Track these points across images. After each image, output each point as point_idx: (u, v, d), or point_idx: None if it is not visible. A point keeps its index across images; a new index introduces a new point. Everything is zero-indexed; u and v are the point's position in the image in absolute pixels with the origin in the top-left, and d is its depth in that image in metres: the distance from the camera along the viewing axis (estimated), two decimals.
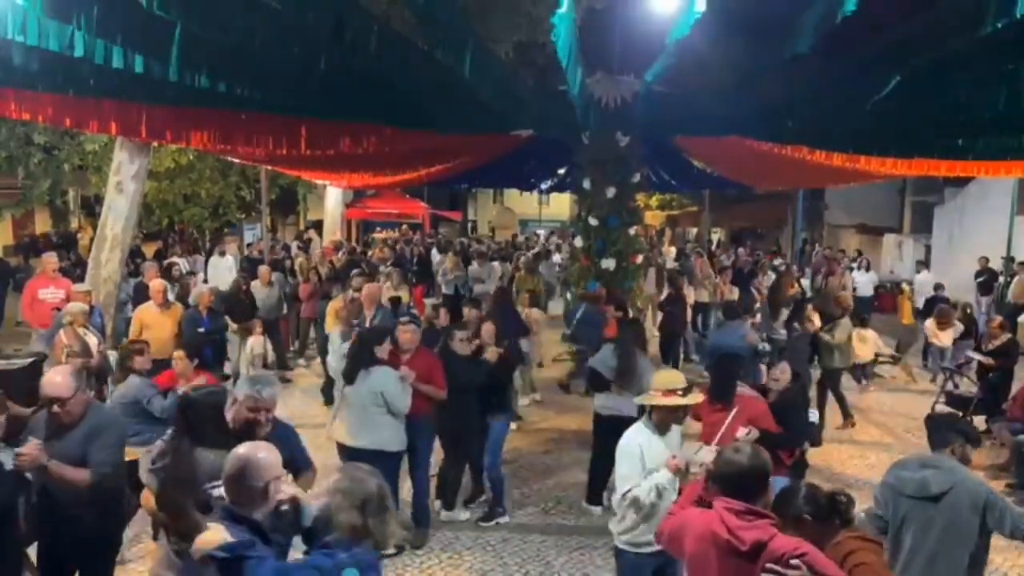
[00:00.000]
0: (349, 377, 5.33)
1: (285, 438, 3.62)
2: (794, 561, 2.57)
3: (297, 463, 3.68)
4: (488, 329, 6.51)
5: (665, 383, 4.05)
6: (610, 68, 9.82)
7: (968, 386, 8.85)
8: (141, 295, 9.21)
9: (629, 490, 3.85)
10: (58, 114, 7.30)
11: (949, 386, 8.95)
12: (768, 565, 2.60)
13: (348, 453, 5.21)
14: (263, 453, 2.69)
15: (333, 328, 7.76)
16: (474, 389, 5.88)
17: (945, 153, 7.96)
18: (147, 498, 3.58)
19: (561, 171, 16.16)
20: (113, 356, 7.97)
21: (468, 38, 5.90)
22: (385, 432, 5.26)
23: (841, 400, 8.63)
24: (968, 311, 11.85)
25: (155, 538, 4.18)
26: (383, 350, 5.36)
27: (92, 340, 7.26)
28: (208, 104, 7.09)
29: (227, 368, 9.23)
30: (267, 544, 2.58)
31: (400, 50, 6.33)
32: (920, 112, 6.18)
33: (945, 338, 10.53)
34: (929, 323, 10.94)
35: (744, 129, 9.28)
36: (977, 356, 8.68)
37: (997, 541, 6.05)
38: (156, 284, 8.15)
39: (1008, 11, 3.79)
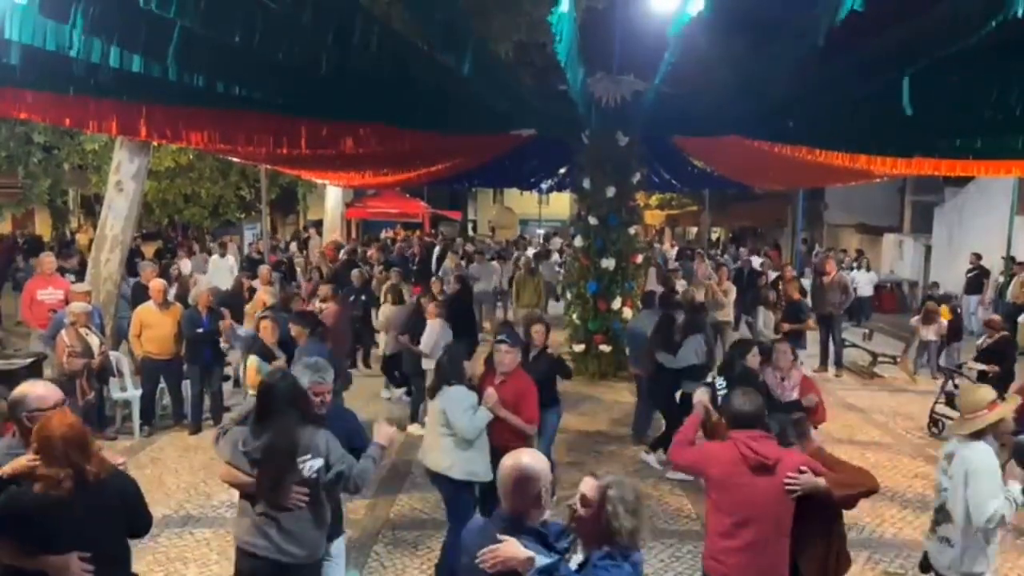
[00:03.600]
0: (431, 392, 5.01)
1: (342, 418, 3.98)
2: (803, 468, 3.47)
3: (354, 443, 3.82)
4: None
5: (989, 396, 4.04)
6: (610, 68, 9.82)
7: None
8: (139, 295, 9.21)
9: (997, 509, 3.76)
10: (58, 114, 7.31)
11: (949, 386, 8.94)
12: (789, 474, 3.43)
13: (425, 469, 5.05)
14: (537, 463, 2.70)
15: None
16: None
17: (945, 153, 7.96)
18: (227, 473, 3.62)
19: (561, 171, 16.18)
20: (114, 356, 7.99)
21: (469, 39, 5.90)
22: (450, 456, 4.78)
23: None
24: (958, 311, 11.94)
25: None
26: (469, 367, 5.04)
27: (94, 340, 7.26)
28: (208, 104, 7.10)
29: (228, 370, 9.23)
30: (551, 552, 2.59)
31: (401, 50, 6.33)
32: (920, 112, 6.18)
33: (928, 332, 11.16)
34: (915, 319, 11.61)
35: (744, 129, 9.29)
36: (977, 366, 8.69)
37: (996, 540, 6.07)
38: (156, 284, 8.15)
39: (1010, 11, 3.79)
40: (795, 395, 5.68)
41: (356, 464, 3.60)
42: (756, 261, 16.78)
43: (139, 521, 3.25)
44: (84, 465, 2.96)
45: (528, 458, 2.68)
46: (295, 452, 3.45)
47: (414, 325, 8.33)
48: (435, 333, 8.02)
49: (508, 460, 2.68)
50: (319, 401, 3.81)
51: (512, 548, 2.47)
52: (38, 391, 3.25)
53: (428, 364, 8.21)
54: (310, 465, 3.47)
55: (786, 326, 9.47)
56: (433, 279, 10.87)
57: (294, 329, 6.53)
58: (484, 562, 2.48)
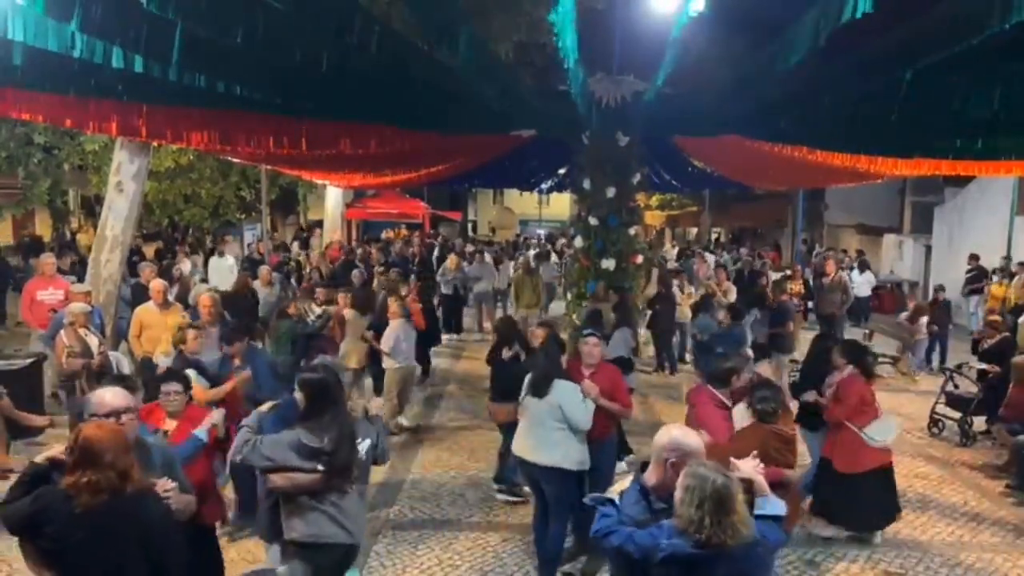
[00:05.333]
0: (541, 391, 5.06)
1: None
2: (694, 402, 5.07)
3: None
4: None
5: None
6: (610, 68, 9.82)
7: (968, 386, 8.85)
8: (139, 295, 9.20)
9: None
10: (58, 114, 7.30)
11: (949, 386, 8.94)
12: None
13: (527, 468, 5.17)
14: (685, 437, 3.03)
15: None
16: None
17: (945, 153, 7.96)
18: (284, 480, 3.71)
19: (561, 171, 16.16)
20: (114, 356, 7.98)
21: (469, 38, 5.89)
22: (562, 449, 4.98)
23: None
24: (939, 300, 12.21)
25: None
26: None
27: (93, 341, 7.25)
28: (208, 104, 7.10)
29: None
30: (648, 508, 2.94)
31: (401, 50, 6.33)
32: (920, 112, 6.18)
33: (917, 332, 11.59)
34: (902, 316, 12.01)
35: (744, 129, 9.28)
36: (978, 366, 8.71)
37: (997, 540, 6.07)
38: (156, 284, 8.13)
39: (1013, 13, 3.78)
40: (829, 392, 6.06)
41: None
42: (711, 259, 16.86)
43: (157, 545, 2.90)
44: (130, 472, 2.84)
45: (677, 431, 3.08)
46: (356, 437, 3.82)
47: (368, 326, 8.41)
48: (395, 332, 8.12)
49: (663, 432, 3.09)
50: None
51: (616, 485, 3.09)
52: (101, 397, 3.19)
53: (388, 363, 8.21)
54: (363, 447, 3.88)
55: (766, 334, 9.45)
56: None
57: (233, 347, 5.96)
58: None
